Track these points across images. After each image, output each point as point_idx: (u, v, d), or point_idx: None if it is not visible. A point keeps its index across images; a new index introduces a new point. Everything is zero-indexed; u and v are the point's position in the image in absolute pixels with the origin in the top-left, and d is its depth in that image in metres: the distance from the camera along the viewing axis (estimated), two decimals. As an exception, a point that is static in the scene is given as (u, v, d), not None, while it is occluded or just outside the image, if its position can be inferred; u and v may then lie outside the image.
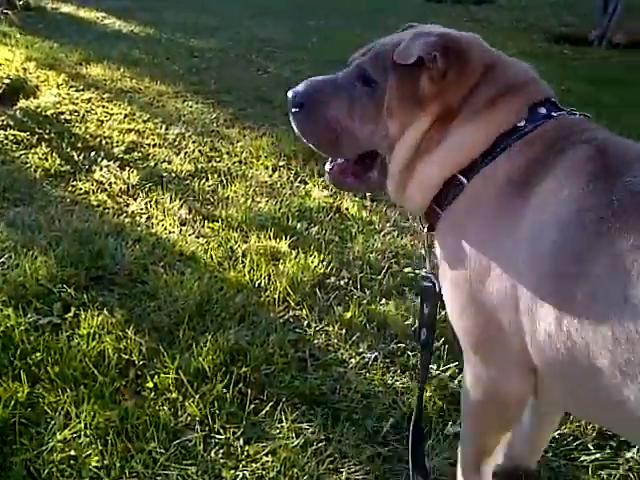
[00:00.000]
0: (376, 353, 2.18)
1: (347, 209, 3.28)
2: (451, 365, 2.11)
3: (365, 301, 2.48)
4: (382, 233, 3.06)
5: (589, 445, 1.84)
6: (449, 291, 1.36)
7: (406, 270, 2.70)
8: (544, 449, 1.74)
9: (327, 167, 1.55)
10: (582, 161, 1.18)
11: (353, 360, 2.16)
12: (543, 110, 1.31)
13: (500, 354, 1.28)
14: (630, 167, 1.14)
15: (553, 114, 1.31)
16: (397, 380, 2.06)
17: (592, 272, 1.07)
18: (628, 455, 1.81)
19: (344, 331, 2.29)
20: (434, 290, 1.46)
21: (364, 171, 1.48)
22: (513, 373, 1.29)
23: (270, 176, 3.60)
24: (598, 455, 1.80)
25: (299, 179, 3.58)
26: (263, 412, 1.90)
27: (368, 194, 3.37)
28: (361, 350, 2.21)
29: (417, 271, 2.69)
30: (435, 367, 2.11)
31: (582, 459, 1.79)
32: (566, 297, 1.11)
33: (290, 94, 1.47)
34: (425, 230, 1.46)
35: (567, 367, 1.14)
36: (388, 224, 3.15)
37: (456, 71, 1.32)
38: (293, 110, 1.47)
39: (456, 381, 2.06)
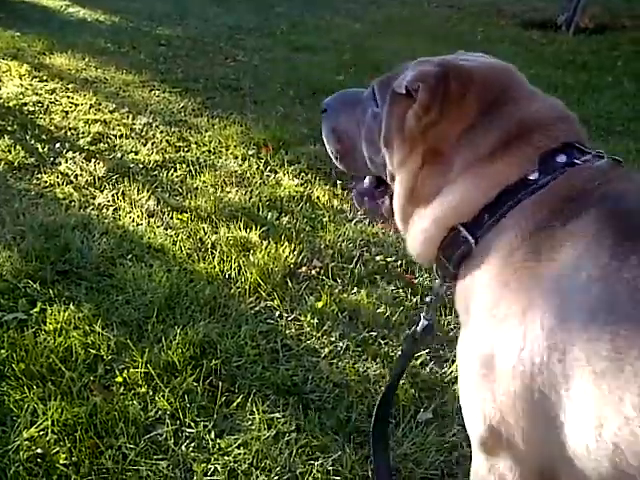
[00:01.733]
0: (348, 342, 2.18)
1: (318, 198, 3.26)
2: (422, 352, 2.12)
3: (337, 290, 2.47)
4: (353, 221, 3.05)
5: None
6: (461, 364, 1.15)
7: (377, 258, 2.70)
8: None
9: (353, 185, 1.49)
10: (596, 231, 0.97)
11: (325, 349, 2.16)
12: (563, 158, 1.09)
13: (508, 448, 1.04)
14: None
15: (576, 161, 1.09)
16: (369, 368, 2.06)
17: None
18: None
19: (316, 320, 2.28)
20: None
21: (381, 195, 1.37)
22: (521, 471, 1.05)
23: (240, 165, 3.56)
24: None
25: (269, 168, 3.55)
26: (234, 404, 1.89)
27: (339, 182, 3.38)
28: (333, 339, 2.20)
29: (388, 259, 2.70)
30: (407, 354, 2.12)
31: None
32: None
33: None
34: (439, 282, 1.30)
35: None
36: (359, 212, 3.14)
37: (440, 107, 1.15)
38: (322, 114, 1.44)
39: (427, 368, 2.07)
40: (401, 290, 2.48)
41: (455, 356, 2.07)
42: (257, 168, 3.54)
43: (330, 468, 1.69)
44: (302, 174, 3.52)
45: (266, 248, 2.67)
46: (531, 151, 1.10)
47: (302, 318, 2.29)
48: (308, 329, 2.24)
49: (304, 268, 2.60)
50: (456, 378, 2.00)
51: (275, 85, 5.19)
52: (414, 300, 2.41)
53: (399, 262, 2.68)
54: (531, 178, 1.08)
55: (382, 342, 2.19)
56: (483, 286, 1.08)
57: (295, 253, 2.66)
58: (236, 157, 3.67)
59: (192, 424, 1.82)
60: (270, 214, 3.03)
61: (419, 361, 2.09)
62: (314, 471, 1.67)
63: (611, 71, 6.57)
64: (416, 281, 2.56)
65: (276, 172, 3.51)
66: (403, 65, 1.28)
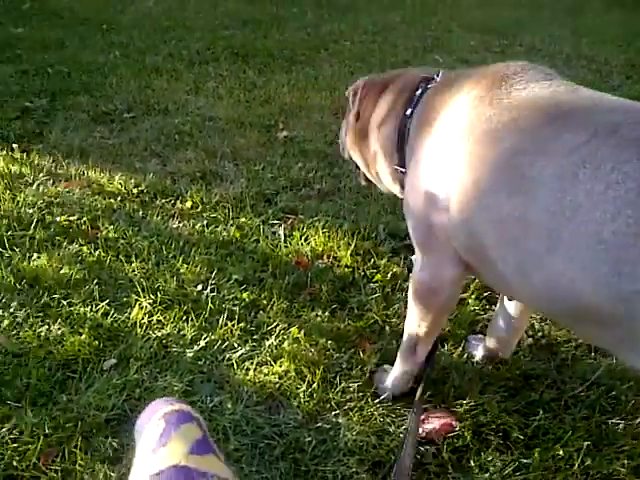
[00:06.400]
0: (28, 310, 2.15)
1: (-7, 166, 3.07)
2: (103, 304, 2.18)
3: (15, 260, 2.40)
4: (34, 185, 2.94)
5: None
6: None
7: (59, 219, 2.66)
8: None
9: None
10: None
11: (5, 322, 2.10)
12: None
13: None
14: None
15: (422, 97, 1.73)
16: (50, 331, 2.07)
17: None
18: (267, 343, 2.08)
19: (-8, 295, 2.21)
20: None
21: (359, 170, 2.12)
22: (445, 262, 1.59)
23: None
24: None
25: None
26: None
27: (15, 145, 3.21)
28: (12, 310, 2.16)
29: (71, 218, 2.68)
30: (89, 309, 2.16)
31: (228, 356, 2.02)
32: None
33: None
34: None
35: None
36: (41, 174, 3.04)
37: (359, 105, 1.93)
38: None
39: (109, 318, 2.14)
40: (85, 247, 2.48)
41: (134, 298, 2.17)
42: None
43: (9, 437, 1.70)
44: (-26, 142, 3.27)
45: None
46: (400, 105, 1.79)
47: (-23, 296, 2.20)
48: (-17, 305, 2.17)
49: (-23, 243, 2.47)
50: (137, 321, 2.11)
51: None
52: (96, 254, 2.44)
53: (83, 219, 2.67)
54: (407, 113, 1.74)
55: (64, 302, 2.19)
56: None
57: (-36, 229, 2.51)
58: None
59: None
60: None
61: (100, 312, 2.15)
62: (-10, 445, 1.67)
63: (296, 3, 6.98)
64: (101, 235, 2.58)
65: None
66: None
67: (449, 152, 1.48)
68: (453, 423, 1.79)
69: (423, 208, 1.58)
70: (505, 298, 1.95)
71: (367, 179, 2.11)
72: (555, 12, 7.47)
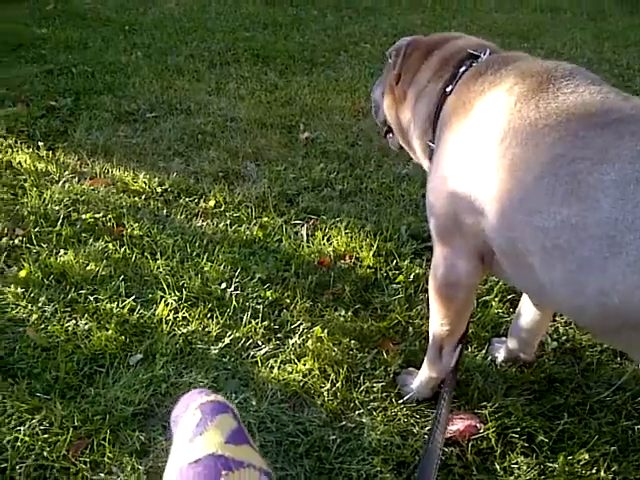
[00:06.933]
0: (56, 305, 2.18)
1: (20, 163, 3.11)
2: (129, 300, 2.20)
3: (43, 255, 2.43)
4: (60, 182, 2.97)
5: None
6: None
7: (85, 216, 2.69)
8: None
9: None
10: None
11: (33, 316, 2.13)
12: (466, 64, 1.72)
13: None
14: None
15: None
16: (78, 326, 2.10)
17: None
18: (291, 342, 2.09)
19: (21, 290, 2.23)
20: None
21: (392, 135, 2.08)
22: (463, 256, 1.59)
23: None
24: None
25: (-39, 138, 3.29)
26: None
27: (40, 143, 3.25)
28: (40, 305, 2.19)
29: (97, 215, 2.71)
30: (115, 305, 2.19)
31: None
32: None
33: None
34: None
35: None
36: (66, 172, 3.07)
37: (400, 65, 1.86)
38: None
39: (135, 314, 2.16)
40: (110, 244, 2.51)
41: (159, 294, 2.20)
42: (-54, 140, 3.25)
43: (39, 428, 1.73)
44: (1, 140, 3.32)
45: (-43, 226, 2.52)
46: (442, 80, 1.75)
47: (6, 290, 2.24)
48: (13, 300, 2.20)
49: (5, 239, 2.50)
50: (163, 318, 2.13)
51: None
52: (122, 251, 2.47)
53: (108, 217, 2.70)
54: (447, 90, 1.70)
55: (91, 298, 2.22)
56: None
57: (-7, 226, 2.55)
58: None
59: None
60: (-37, 189, 2.84)
61: (126, 308, 2.17)
62: (21, 436, 1.70)
63: (316, 5, 6.99)
64: (126, 232, 2.61)
65: (-31, 142, 3.27)
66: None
67: (484, 151, 1.46)
68: (477, 425, 1.79)
69: (449, 204, 1.57)
70: (526, 298, 1.95)
71: (399, 145, 2.06)
72: (576, 16, 7.43)
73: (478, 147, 1.48)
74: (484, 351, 2.07)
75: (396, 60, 1.88)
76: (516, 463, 1.70)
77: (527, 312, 1.96)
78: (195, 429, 0.98)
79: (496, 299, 2.29)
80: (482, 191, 1.45)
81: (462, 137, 1.55)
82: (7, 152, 3.18)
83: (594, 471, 1.67)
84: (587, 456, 1.70)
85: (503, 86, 1.51)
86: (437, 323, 1.76)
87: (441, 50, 1.81)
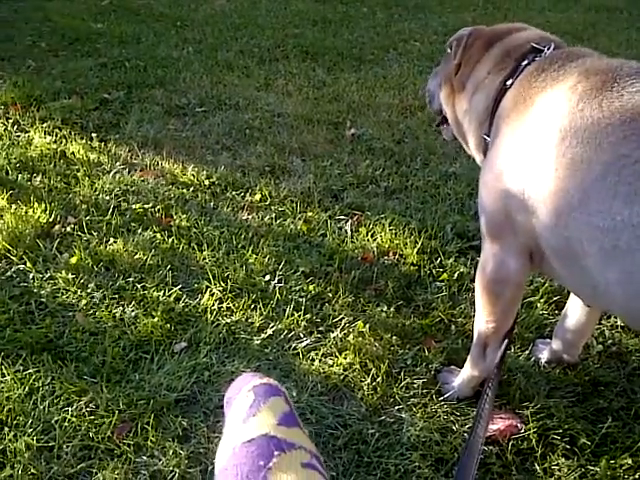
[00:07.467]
0: (104, 292, 2.24)
1: (73, 153, 3.20)
2: (175, 289, 2.25)
3: (93, 243, 2.50)
4: (112, 173, 3.05)
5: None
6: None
7: (135, 207, 2.75)
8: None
9: None
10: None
11: (82, 302, 2.20)
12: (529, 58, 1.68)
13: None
14: None
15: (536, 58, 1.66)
16: (125, 313, 2.15)
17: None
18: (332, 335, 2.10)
19: (71, 276, 2.30)
20: None
21: (447, 124, 2.03)
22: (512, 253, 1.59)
23: (-14, 128, 3.37)
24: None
25: (18, 127, 3.40)
26: (-15, 371, 1.89)
27: (94, 134, 3.34)
28: (89, 291, 2.25)
29: (146, 206, 2.77)
30: (162, 293, 2.24)
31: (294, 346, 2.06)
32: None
33: None
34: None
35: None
36: (118, 163, 3.15)
37: (461, 56, 1.82)
38: None
39: (181, 303, 2.20)
40: (158, 234, 2.56)
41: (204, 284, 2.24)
42: (5, 129, 3.37)
43: (86, 410, 1.79)
44: (56, 130, 3.42)
45: (15, 211, 2.60)
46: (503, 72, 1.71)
47: (57, 275, 2.31)
48: (63, 285, 2.27)
49: (57, 226, 2.58)
50: (207, 307, 2.17)
51: (25, 38, 4.88)
52: (169, 241, 2.52)
53: (157, 208, 2.76)
54: (507, 83, 1.66)
55: (139, 286, 2.27)
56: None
57: (47, 213, 2.63)
58: (-20, 120, 3.46)
59: (-60, 398, 1.80)
60: (21, 176, 2.94)
61: (172, 297, 2.22)
62: (68, 417, 1.75)
63: (366, 2, 6.98)
64: (174, 223, 2.66)
65: (27, 131, 3.38)
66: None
67: (543, 149, 1.43)
68: (518, 425, 1.77)
69: (501, 200, 1.55)
70: (572, 300, 1.91)
71: (453, 135, 2.03)
72: (632, 16, 7.23)
73: (536, 144, 1.46)
74: (527, 352, 2.04)
75: (457, 50, 1.84)
76: (557, 465, 1.68)
77: (574, 314, 1.93)
78: (248, 410, 1.00)
79: (541, 300, 2.26)
80: (538, 189, 1.43)
81: (520, 133, 1.52)
82: (61, 142, 3.28)
83: (637, 476, 1.64)
84: (630, 461, 1.67)
85: (566, 83, 1.47)
86: (482, 321, 1.74)
87: (503, 42, 1.77)
